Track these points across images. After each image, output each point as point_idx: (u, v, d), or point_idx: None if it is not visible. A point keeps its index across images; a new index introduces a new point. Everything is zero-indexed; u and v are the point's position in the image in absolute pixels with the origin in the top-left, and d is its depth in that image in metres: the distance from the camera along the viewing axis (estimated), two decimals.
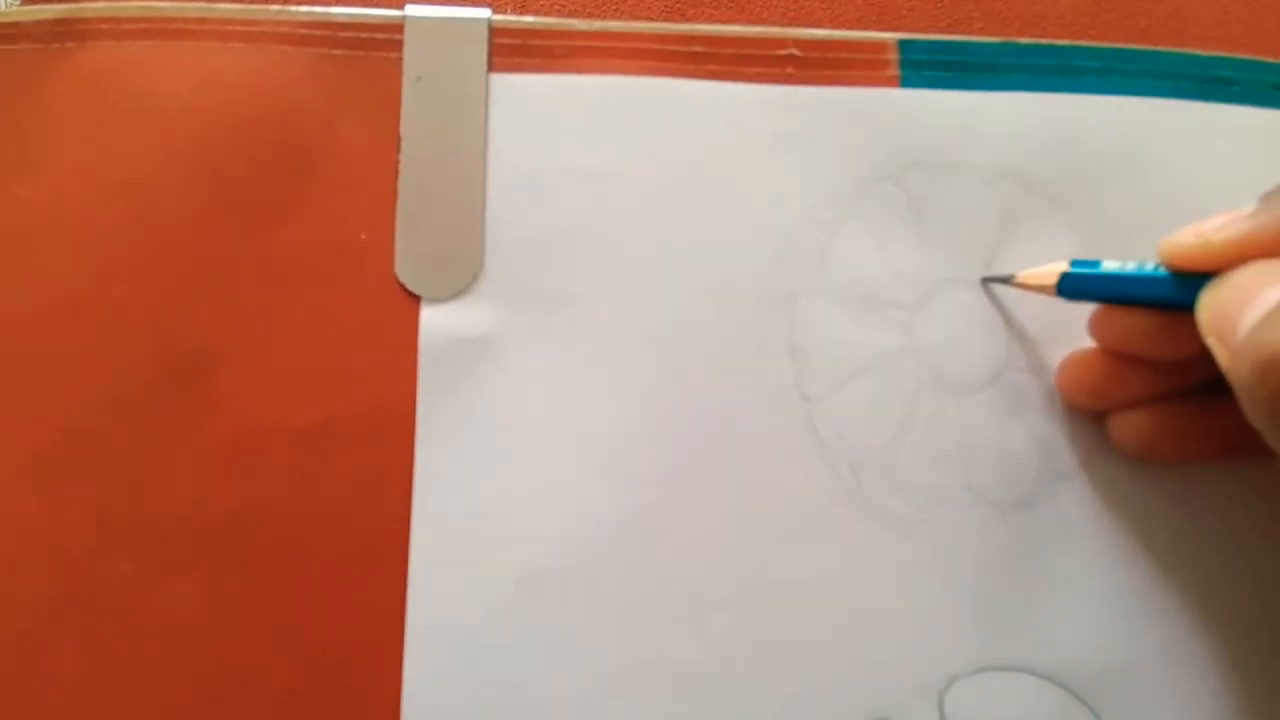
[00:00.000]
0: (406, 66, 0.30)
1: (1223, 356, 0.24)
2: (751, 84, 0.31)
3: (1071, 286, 0.28)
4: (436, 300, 0.29)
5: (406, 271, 0.29)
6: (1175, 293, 0.26)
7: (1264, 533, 0.30)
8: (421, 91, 0.30)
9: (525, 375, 0.29)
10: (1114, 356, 0.29)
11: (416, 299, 0.29)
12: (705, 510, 0.29)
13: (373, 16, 0.30)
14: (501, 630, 0.28)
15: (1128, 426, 0.29)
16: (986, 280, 0.30)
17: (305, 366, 0.28)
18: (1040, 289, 0.29)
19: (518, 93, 0.30)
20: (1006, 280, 0.30)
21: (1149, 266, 0.27)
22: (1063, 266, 0.28)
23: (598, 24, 0.30)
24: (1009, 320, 0.30)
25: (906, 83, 0.31)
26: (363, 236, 0.29)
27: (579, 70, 0.30)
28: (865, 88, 0.31)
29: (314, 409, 0.28)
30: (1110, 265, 0.28)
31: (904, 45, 0.31)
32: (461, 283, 0.29)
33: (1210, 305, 0.25)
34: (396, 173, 0.29)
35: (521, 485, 0.28)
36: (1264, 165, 0.31)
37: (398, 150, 0.29)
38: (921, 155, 0.31)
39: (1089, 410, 0.30)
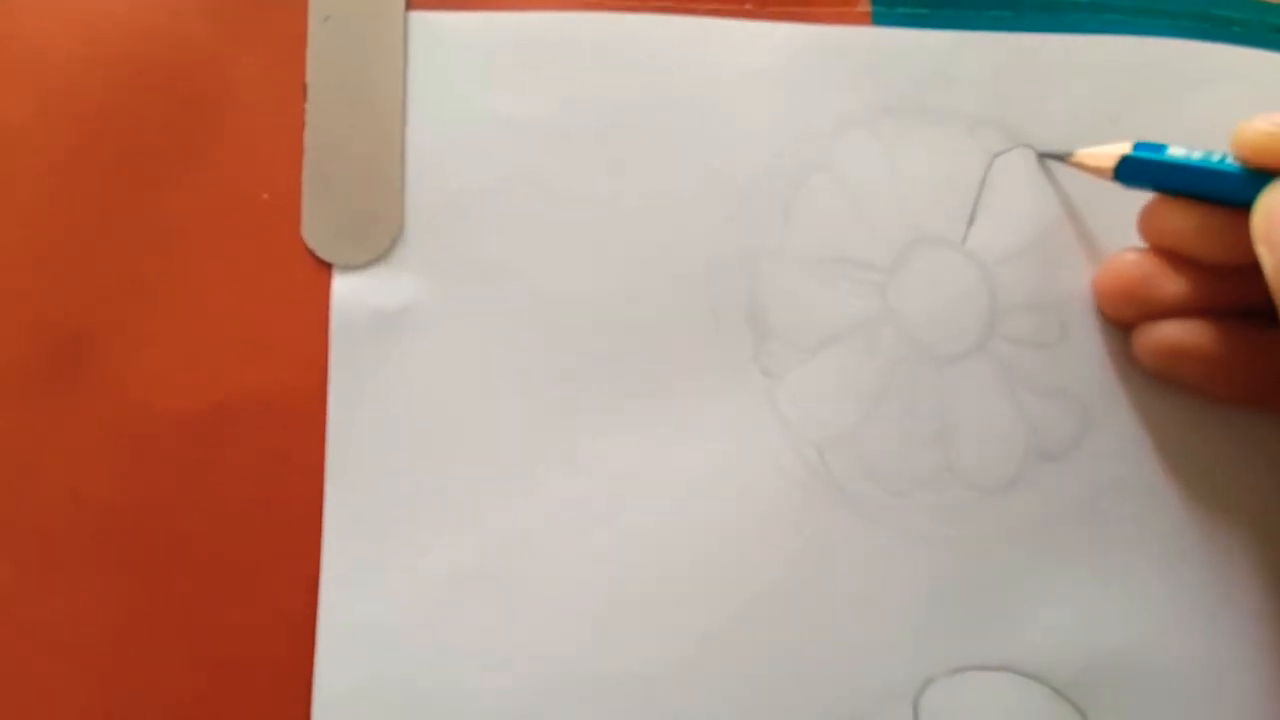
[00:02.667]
0: (313, 3, 0.26)
1: (1269, 264, 0.22)
2: (705, 19, 0.27)
3: (1131, 170, 0.26)
4: (349, 268, 0.26)
5: (315, 235, 0.26)
6: (1240, 188, 0.24)
7: (1265, 520, 0.27)
8: (330, 31, 0.26)
9: (450, 351, 0.26)
10: (1159, 257, 0.27)
11: (327, 266, 0.26)
12: (653, 499, 0.26)
13: None
14: (423, 634, 0.25)
15: (1157, 334, 0.26)
16: (1043, 156, 0.28)
17: (198, 344, 0.25)
18: (1097, 171, 0.27)
19: (440, 32, 0.27)
20: (1063, 157, 0.27)
21: (1216, 156, 0.25)
22: (1125, 148, 0.26)
23: None
24: (995, 284, 0.27)
25: (879, 19, 0.28)
26: (264, 196, 0.25)
27: (510, 6, 0.27)
28: (833, 25, 0.28)
29: (209, 391, 0.25)
30: (1176, 151, 0.26)
31: None
32: (378, 248, 0.26)
33: (1265, 208, 0.23)
34: (302, 124, 0.26)
35: (446, 475, 0.25)
36: (1265, 110, 0.28)
37: (303, 98, 0.26)
38: (896, 100, 0.28)
39: (1123, 318, 0.27)
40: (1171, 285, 0.26)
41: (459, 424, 0.26)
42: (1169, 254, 0.26)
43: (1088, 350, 0.27)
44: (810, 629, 0.26)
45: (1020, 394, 0.27)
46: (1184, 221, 0.26)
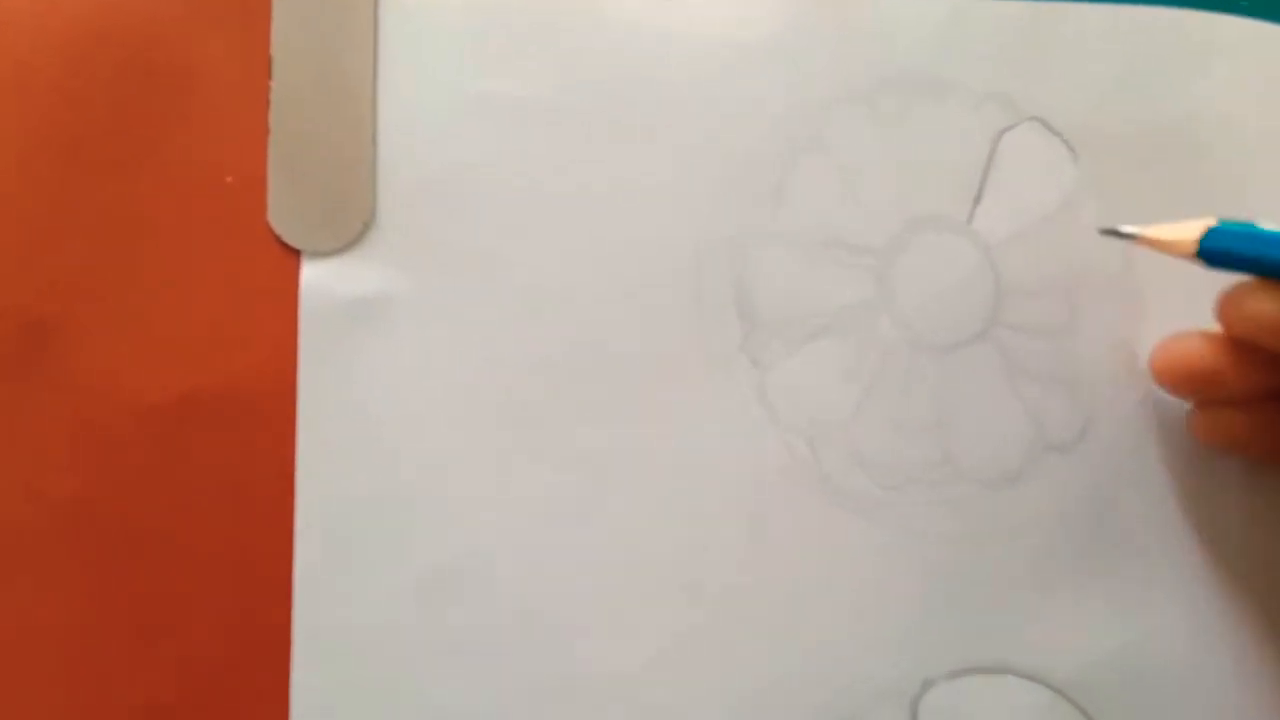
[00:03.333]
0: None
1: None
2: None
3: (1218, 248, 0.23)
4: (319, 255, 0.25)
5: (282, 221, 0.24)
6: None
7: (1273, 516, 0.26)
8: (297, 5, 0.25)
9: (424, 342, 0.25)
10: (1231, 346, 0.24)
11: (296, 253, 0.24)
12: (637, 496, 0.25)
13: None
14: (400, 636, 0.24)
15: (1220, 424, 0.25)
16: (1105, 232, 0.25)
17: (162, 334, 0.24)
18: (1175, 250, 0.24)
19: (413, 9, 0.25)
20: (1129, 236, 0.25)
21: None
22: (1209, 221, 0.23)
23: None
24: (999, 267, 0.26)
25: None
26: (229, 179, 0.24)
27: None
28: None
29: (173, 383, 0.24)
30: (1266, 224, 0.23)
31: None
32: (348, 234, 0.25)
33: None
34: (268, 103, 0.25)
35: (421, 469, 0.24)
36: (1276, 83, 0.27)
37: (269, 76, 0.25)
38: (894, 73, 0.26)
39: (1178, 395, 0.26)
40: (1243, 378, 0.24)
41: (434, 417, 0.25)
42: (1243, 342, 0.24)
43: (1096, 337, 0.26)
44: (800, 628, 0.25)
45: (1024, 383, 0.26)
46: (1271, 310, 0.23)
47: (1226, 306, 0.24)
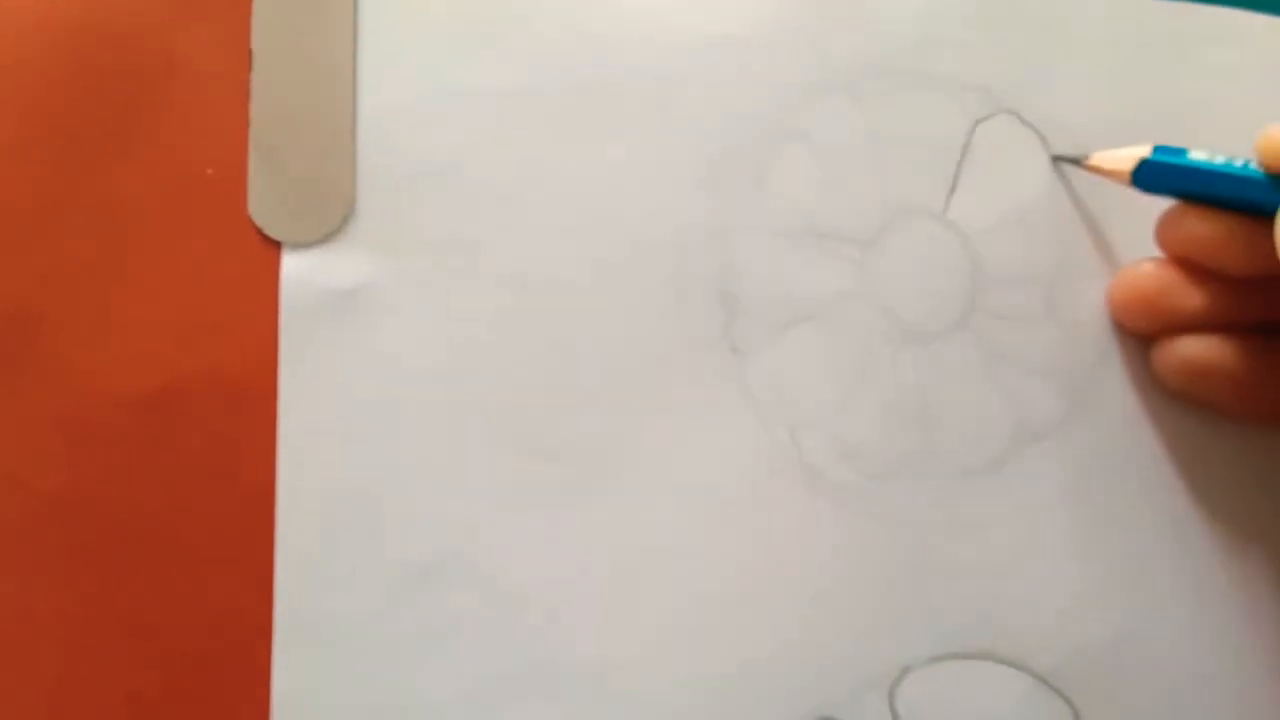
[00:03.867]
0: None
1: None
2: None
3: (1150, 175, 0.25)
4: (300, 245, 0.25)
5: (262, 212, 0.24)
6: (1267, 196, 0.23)
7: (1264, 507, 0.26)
8: None
9: (407, 333, 0.25)
10: (1179, 267, 0.25)
11: (276, 245, 0.24)
12: (620, 484, 0.25)
13: None
14: (382, 626, 0.24)
15: (1179, 352, 0.25)
16: (1057, 159, 0.26)
17: (143, 325, 0.24)
18: (1114, 175, 0.25)
19: None
20: (1077, 161, 0.26)
21: (1238, 162, 0.24)
22: (1143, 151, 0.25)
23: None
24: (978, 256, 0.26)
25: None
26: (209, 171, 0.24)
27: None
28: None
29: (155, 374, 0.24)
30: (1197, 155, 0.24)
31: None
32: (329, 225, 0.25)
33: None
34: (248, 94, 0.25)
35: (403, 461, 0.24)
36: (1268, 77, 0.27)
37: (249, 67, 0.25)
38: (876, 62, 0.26)
39: (1140, 330, 0.26)
40: (1192, 297, 0.25)
41: (416, 408, 0.24)
42: (1189, 264, 0.25)
43: (1076, 324, 0.26)
44: (780, 616, 0.25)
45: (1005, 371, 0.26)
46: (1206, 230, 0.24)
47: (1163, 230, 0.25)
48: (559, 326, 0.25)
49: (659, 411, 0.25)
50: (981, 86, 0.26)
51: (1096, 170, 0.26)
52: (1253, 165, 0.24)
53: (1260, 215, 0.23)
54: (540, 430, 0.25)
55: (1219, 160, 0.24)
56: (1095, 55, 0.27)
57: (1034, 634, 0.25)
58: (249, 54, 0.25)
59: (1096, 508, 0.26)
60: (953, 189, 0.26)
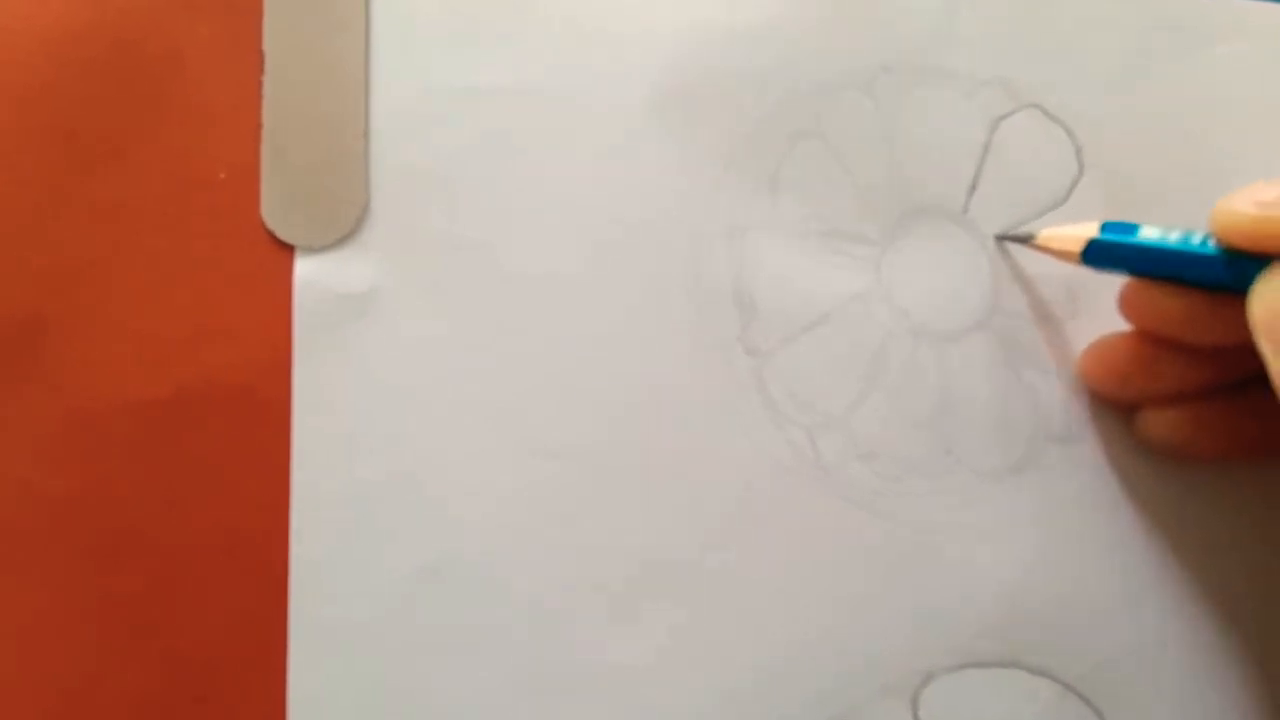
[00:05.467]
0: None
1: (1274, 364, 0.20)
2: None
3: (1100, 255, 0.24)
4: (313, 249, 0.24)
5: (275, 215, 0.24)
6: (1225, 274, 0.22)
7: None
8: None
9: (420, 336, 0.24)
10: (1147, 340, 0.24)
11: (289, 248, 0.24)
12: (636, 487, 0.25)
13: None
14: (398, 629, 0.24)
15: (1159, 424, 0.25)
16: (1001, 239, 0.26)
17: (154, 330, 0.24)
18: (1063, 255, 0.24)
19: None
20: (1025, 240, 0.25)
21: (1196, 238, 0.22)
22: (1091, 230, 0.24)
23: None
24: (998, 257, 0.26)
25: None
26: (221, 175, 0.24)
27: None
28: None
29: (165, 380, 0.24)
30: (1149, 233, 0.23)
31: None
32: (343, 228, 0.24)
33: (1267, 301, 0.21)
34: (259, 97, 0.24)
35: (417, 463, 0.24)
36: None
37: (260, 69, 0.25)
38: (892, 60, 0.26)
39: (1116, 400, 0.25)
40: (1165, 371, 0.24)
41: (430, 411, 0.24)
42: (1157, 337, 0.24)
43: (1099, 324, 0.26)
44: (799, 622, 0.25)
45: (1025, 372, 0.26)
46: (1168, 306, 0.24)
47: (1125, 305, 0.24)
48: (573, 329, 0.25)
49: (674, 414, 0.25)
50: (1002, 82, 0.26)
51: (1045, 250, 0.25)
52: (1209, 241, 0.22)
53: (1226, 292, 0.22)
54: (555, 433, 0.25)
55: (1173, 237, 0.23)
56: (1117, 46, 0.26)
57: (1060, 641, 0.25)
58: (260, 56, 0.25)
59: (1120, 511, 0.25)
60: (973, 188, 0.26)
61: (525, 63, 0.25)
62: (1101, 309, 0.25)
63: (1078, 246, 0.24)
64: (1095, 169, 0.26)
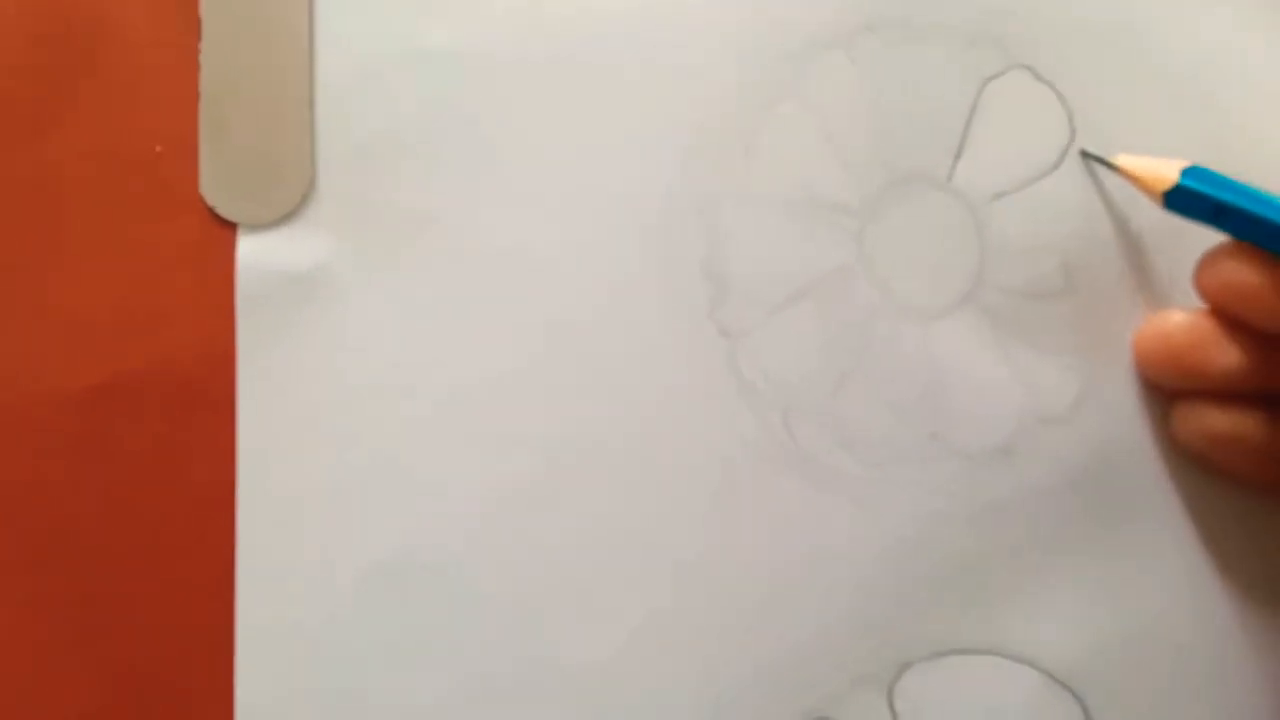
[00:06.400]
0: None
1: None
2: None
3: (1185, 201, 0.22)
4: (256, 226, 0.23)
5: (215, 191, 0.23)
6: None
7: None
8: None
9: (372, 318, 0.23)
10: (1214, 321, 0.23)
11: (230, 226, 0.23)
12: (601, 476, 0.23)
13: None
14: (351, 631, 0.23)
15: (1203, 422, 0.23)
16: (1085, 155, 0.24)
17: (85, 315, 0.23)
18: (1147, 188, 0.23)
19: None
20: (1109, 164, 0.24)
21: None
22: (1173, 174, 0.22)
23: None
24: (986, 226, 0.24)
25: None
26: (157, 148, 0.23)
27: None
28: None
29: (98, 368, 0.22)
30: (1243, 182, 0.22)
31: None
32: (288, 203, 0.23)
33: None
34: (197, 64, 0.23)
35: (371, 455, 0.23)
36: None
37: (198, 34, 0.23)
38: (875, 17, 0.24)
39: (1163, 385, 0.24)
40: (1224, 357, 0.22)
41: (384, 399, 0.23)
42: (1225, 317, 0.22)
43: (1093, 298, 0.24)
44: (775, 612, 0.24)
45: (1015, 350, 0.24)
46: (1252, 278, 0.22)
47: (1204, 272, 0.23)
48: (533, 309, 0.23)
49: (642, 398, 0.24)
50: (992, 40, 0.24)
51: (1131, 179, 0.23)
52: None
53: None
54: (514, 420, 0.23)
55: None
56: (1110, 6, 0.24)
57: (1042, 629, 0.24)
58: (197, 20, 0.23)
59: (1110, 496, 0.24)
60: (959, 153, 0.24)
61: (480, 26, 0.24)
62: (1098, 284, 0.24)
63: (1161, 188, 0.22)
64: (1089, 134, 0.24)
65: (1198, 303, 0.23)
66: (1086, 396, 0.24)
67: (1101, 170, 0.24)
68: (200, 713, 0.22)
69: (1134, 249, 0.24)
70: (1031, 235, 0.24)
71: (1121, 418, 0.24)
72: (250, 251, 0.23)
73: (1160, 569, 0.24)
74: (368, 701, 0.23)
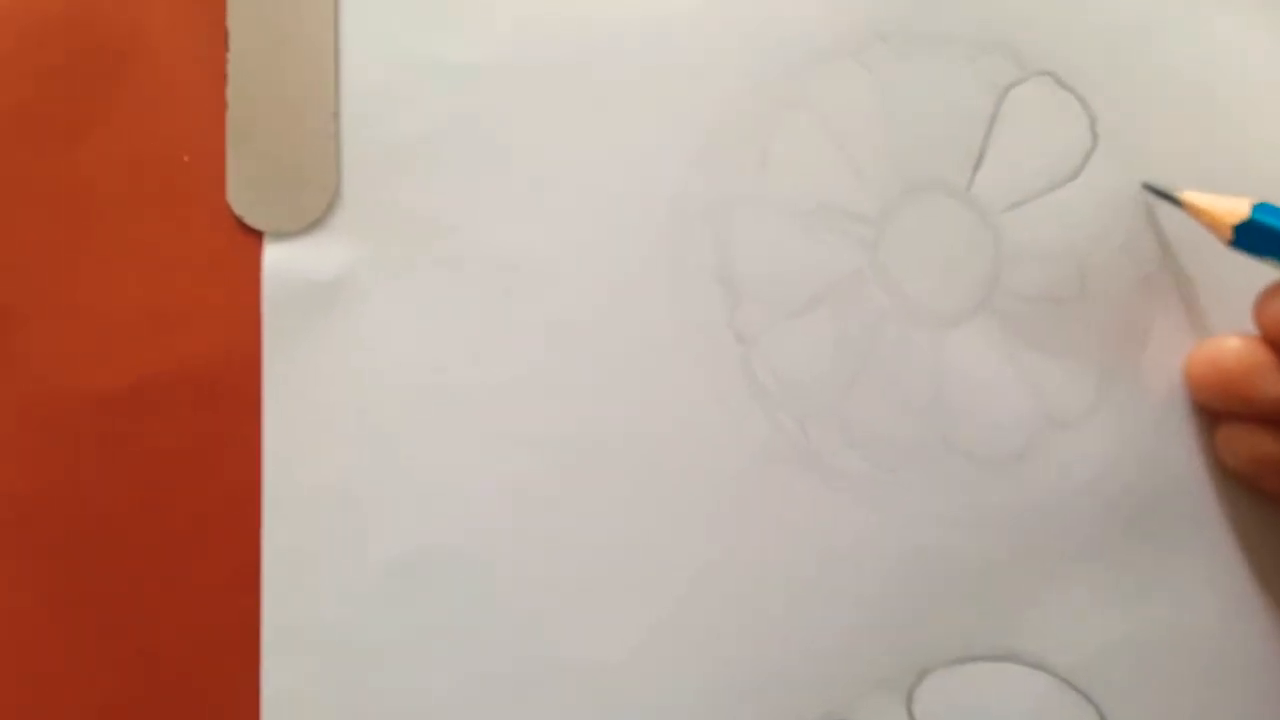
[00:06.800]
0: None
1: None
2: None
3: (1254, 238, 0.22)
4: (282, 234, 0.24)
5: (242, 199, 0.23)
6: None
7: None
8: None
9: (394, 323, 0.24)
10: (1269, 349, 0.23)
11: (257, 234, 0.23)
12: (617, 479, 0.24)
13: None
14: (373, 626, 0.23)
15: (1247, 443, 0.23)
16: (1148, 188, 0.24)
17: (116, 319, 0.23)
18: (1215, 224, 0.23)
19: None
20: (1173, 199, 0.23)
21: None
22: (1243, 210, 0.22)
23: None
24: (1002, 233, 0.24)
25: None
26: (185, 158, 0.23)
27: None
28: None
29: (128, 370, 0.23)
30: None
31: None
32: (313, 212, 0.24)
33: None
34: (224, 76, 0.23)
35: (392, 455, 0.24)
36: None
37: (225, 46, 0.24)
38: (888, 25, 0.24)
39: (1211, 408, 0.24)
40: (1274, 381, 0.23)
41: (405, 401, 0.24)
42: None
43: (1109, 305, 0.24)
44: (789, 615, 0.24)
45: (1028, 356, 0.24)
46: None
47: (1264, 307, 0.23)
48: (551, 314, 0.24)
49: (657, 402, 0.24)
50: (1007, 47, 0.24)
51: (1197, 215, 0.23)
52: None
53: None
54: (532, 422, 0.24)
55: None
56: (1128, 9, 0.24)
57: (1056, 632, 0.24)
58: (224, 32, 0.24)
59: (1122, 501, 0.24)
60: (979, 163, 0.24)
61: (499, 38, 0.24)
62: (1114, 290, 0.24)
63: (1234, 220, 0.22)
64: (1110, 141, 0.24)
65: (1212, 311, 0.23)
66: (1101, 403, 0.24)
67: (1125, 176, 0.24)
68: (228, 706, 0.23)
69: (1150, 255, 0.24)
70: (1048, 241, 0.24)
71: (1136, 425, 0.24)
72: (276, 259, 0.24)
73: (1175, 575, 0.24)
74: (391, 696, 0.23)
